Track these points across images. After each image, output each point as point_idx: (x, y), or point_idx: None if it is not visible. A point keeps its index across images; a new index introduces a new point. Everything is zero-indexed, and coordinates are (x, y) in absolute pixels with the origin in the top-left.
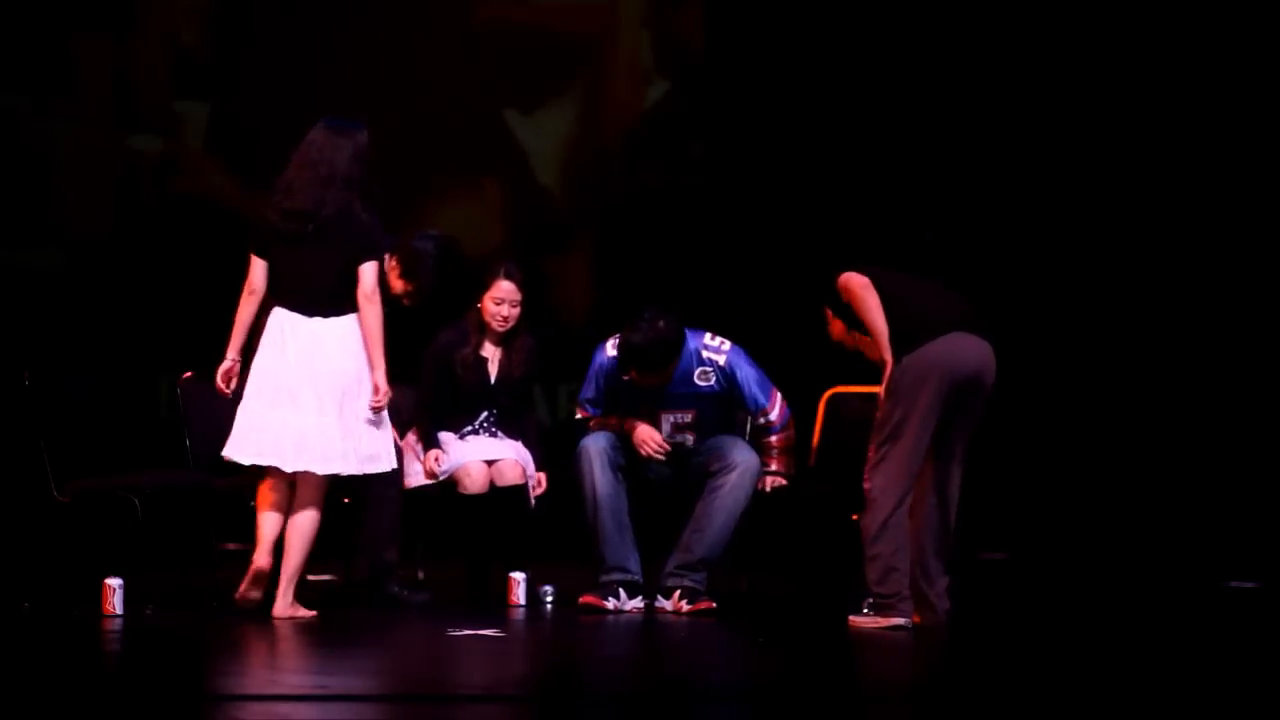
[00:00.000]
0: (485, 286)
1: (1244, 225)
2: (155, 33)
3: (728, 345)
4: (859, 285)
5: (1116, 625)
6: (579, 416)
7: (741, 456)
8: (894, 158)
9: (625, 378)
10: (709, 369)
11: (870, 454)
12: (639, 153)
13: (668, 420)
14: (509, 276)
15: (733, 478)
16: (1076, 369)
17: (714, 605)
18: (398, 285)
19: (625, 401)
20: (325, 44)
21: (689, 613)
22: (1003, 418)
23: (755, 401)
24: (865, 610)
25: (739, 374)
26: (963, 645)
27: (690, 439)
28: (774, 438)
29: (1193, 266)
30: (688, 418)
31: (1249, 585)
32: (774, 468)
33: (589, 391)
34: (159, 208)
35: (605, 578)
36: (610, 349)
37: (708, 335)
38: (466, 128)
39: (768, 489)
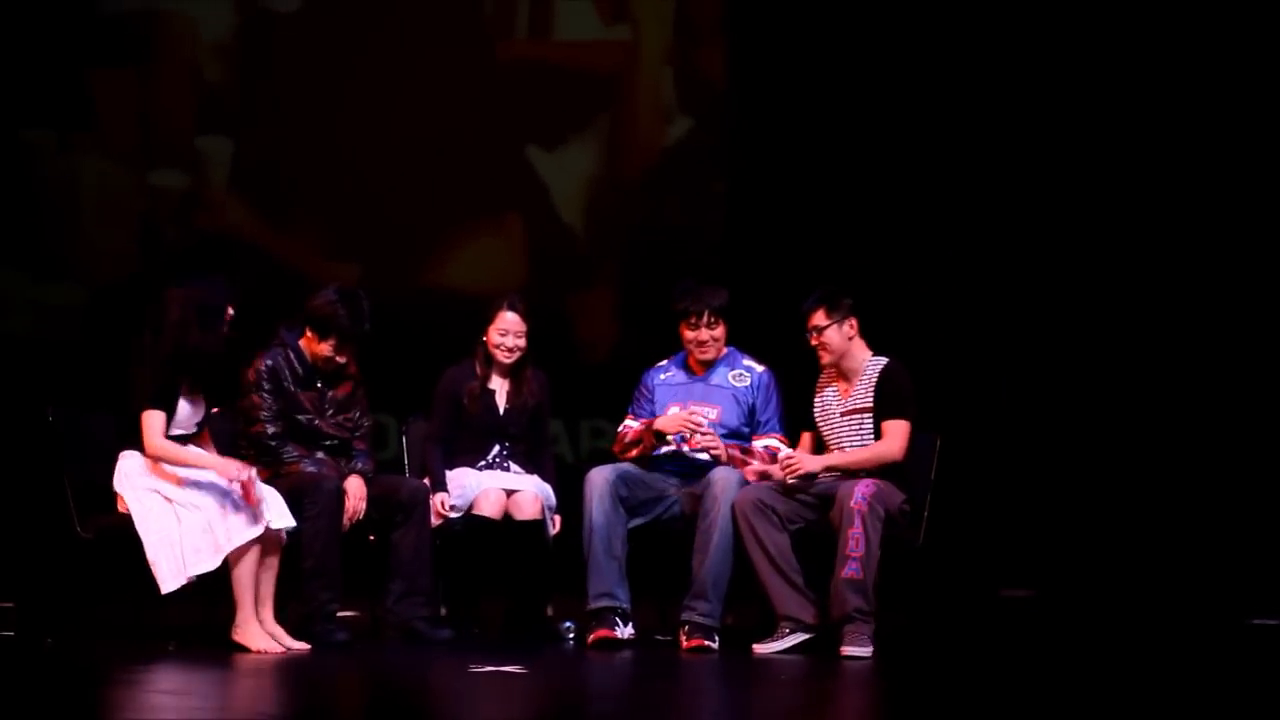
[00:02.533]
0: (489, 319)
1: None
2: (178, 69)
3: (763, 367)
4: None
5: (1140, 662)
6: (620, 435)
7: (718, 474)
8: (917, 192)
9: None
10: (745, 373)
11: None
12: (661, 189)
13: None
14: (512, 308)
15: (717, 495)
16: (1101, 403)
17: (706, 644)
18: (322, 349)
19: (664, 400)
20: (348, 80)
21: (686, 649)
22: (1026, 453)
23: (770, 423)
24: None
25: (769, 391)
26: (987, 683)
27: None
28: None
29: (1222, 299)
30: (712, 413)
31: (1273, 622)
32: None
33: (633, 406)
34: (182, 244)
35: (594, 604)
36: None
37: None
38: (489, 164)
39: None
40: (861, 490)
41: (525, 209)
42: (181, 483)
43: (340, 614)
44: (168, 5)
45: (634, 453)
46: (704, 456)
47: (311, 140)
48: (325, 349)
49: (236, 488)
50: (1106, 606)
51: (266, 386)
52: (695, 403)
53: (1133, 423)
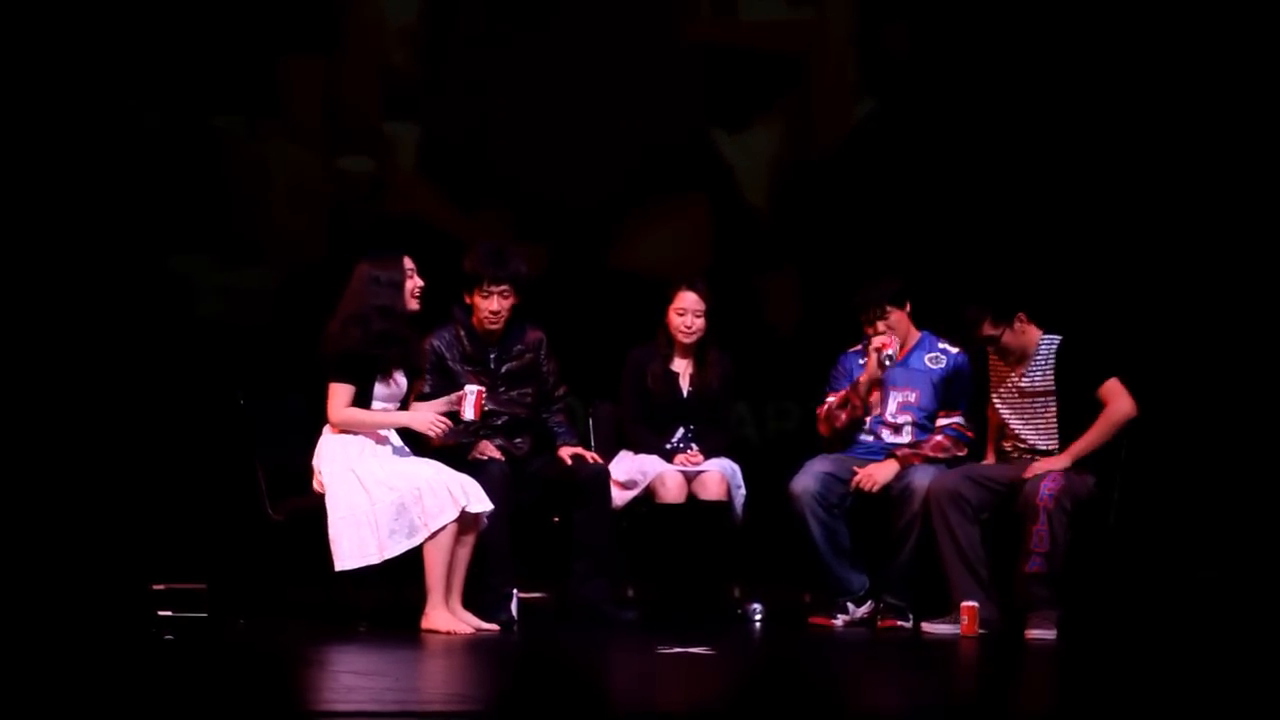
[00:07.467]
0: (669, 300)
1: None
2: (365, 54)
3: (958, 349)
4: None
5: None
6: (820, 413)
7: (917, 477)
8: (1106, 172)
9: (862, 345)
10: (940, 355)
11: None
12: (846, 170)
13: (894, 399)
14: (691, 287)
15: (914, 495)
16: None
17: (896, 624)
18: (481, 305)
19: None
20: (533, 64)
21: (881, 628)
22: (1220, 434)
23: (957, 402)
24: None
25: (962, 373)
26: (1168, 666)
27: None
28: (937, 437)
29: None
30: (911, 396)
31: None
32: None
33: (832, 385)
34: (371, 228)
35: (836, 599)
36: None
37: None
38: (673, 146)
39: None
40: (1048, 486)
41: (710, 191)
42: (380, 465)
43: (523, 596)
44: None
45: (844, 418)
46: (898, 439)
47: (496, 123)
48: (482, 303)
49: (435, 430)
50: None
51: (429, 370)
52: (894, 389)
53: None
